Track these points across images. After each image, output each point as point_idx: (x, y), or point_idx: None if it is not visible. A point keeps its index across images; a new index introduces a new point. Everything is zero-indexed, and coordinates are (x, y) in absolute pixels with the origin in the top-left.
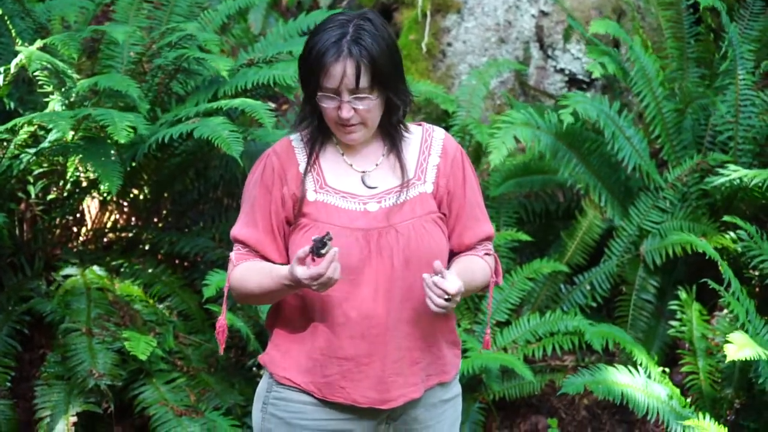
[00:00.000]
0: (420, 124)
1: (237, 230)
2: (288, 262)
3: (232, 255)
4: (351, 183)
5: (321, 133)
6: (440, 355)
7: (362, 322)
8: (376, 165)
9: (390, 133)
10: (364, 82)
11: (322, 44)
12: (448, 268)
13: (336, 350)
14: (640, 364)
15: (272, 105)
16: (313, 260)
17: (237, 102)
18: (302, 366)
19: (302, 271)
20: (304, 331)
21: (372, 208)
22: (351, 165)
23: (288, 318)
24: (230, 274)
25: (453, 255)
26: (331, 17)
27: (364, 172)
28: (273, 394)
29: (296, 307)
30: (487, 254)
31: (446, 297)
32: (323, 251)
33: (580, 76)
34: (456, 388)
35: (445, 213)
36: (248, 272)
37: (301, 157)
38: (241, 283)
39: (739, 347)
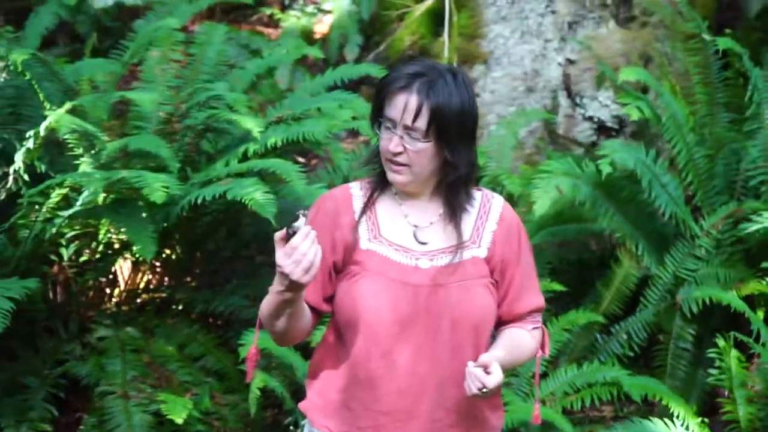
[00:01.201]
0: (480, 190)
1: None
2: (323, 305)
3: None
4: (404, 236)
5: (382, 179)
6: (482, 419)
7: (403, 378)
8: (431, 223)
9: (447, 197)
10: (420, 123)
11: (397, 73)
12: (494, 336)
13: (373, 403)
14: (677, 417)
15: (302, 160)
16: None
17: (269, 163)
18: (340, 414)
19: (279, 253)
20: (347, 380)
21: (424, 264)
22: (406, 216)
23: (331, 366)
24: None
25: (500, 323)
26: (420, 59)
27: (416, 226)
28: None
29: (339, 356)
30: (535, 328)
31: (484, 390)
32: (296, 224)
33: (609, 124)
34: None
35: (497, 280)
36: (265, 301)
37: (358, 206)
38: (264, 307)
39: None
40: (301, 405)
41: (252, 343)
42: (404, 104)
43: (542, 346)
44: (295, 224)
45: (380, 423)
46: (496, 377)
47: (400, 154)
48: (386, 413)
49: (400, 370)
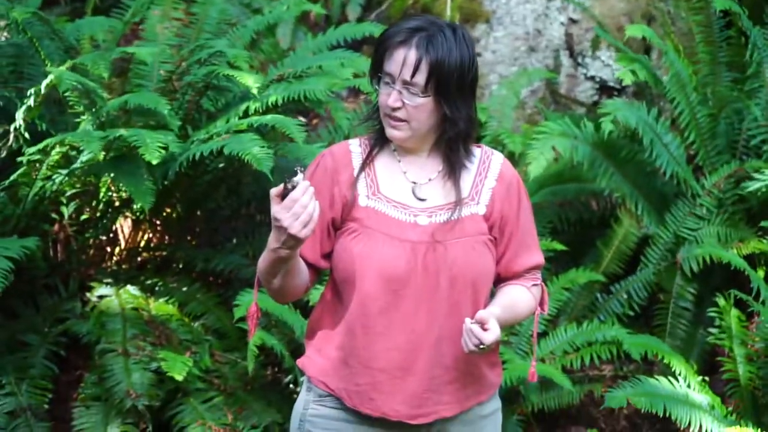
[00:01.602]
0: (479, 146)
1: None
2: (321, 262)
3: None
4: (403, 192)
5: (381, 136)
6: (480, 376)
7: (401, 334)
8: (430, 179)
9: (446, 153)
10: (419, 78)
11: (397, 28)
12: (493, 293)
13: (371, 360)
14: (680, 374)
15: (303, 120)
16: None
17: (268, 118)
18: (338, 371)
19: (276, 207)
20: (345, 337)
21: (422, 221)
22: (405, 173)
23: (329, 323)
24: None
25: (499, 280)
26: (421, 14)
27: (414, 183)
28: (310, 411)
29: (337, 313)
30: (534, 285)
31: (481, 346)
32: (295, 179)
33: (611, 84)
34: (495, 403)
35: (496, 237)
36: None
37: (357, 162)
38: (261, 263)
39: None
40: (299, 361)
41: (251, 301)
42: (403, 59)
43: (541, 304)
44: (294, 179)
45: (377, 380)
46: (493, 334)
47: (398, 109)
48: (383, 370)
49: (397, 327)
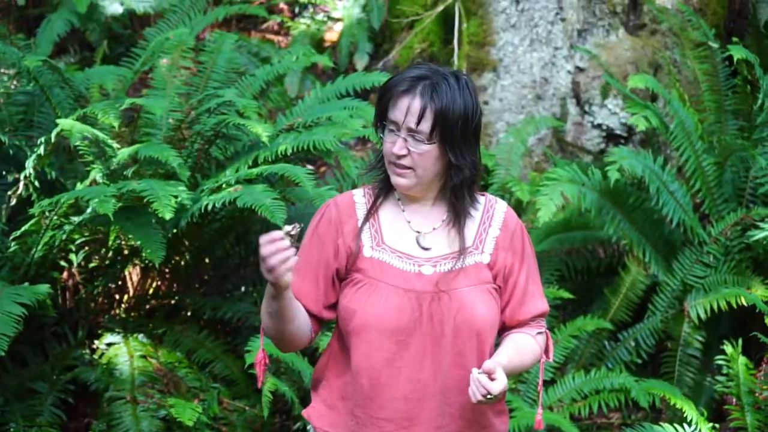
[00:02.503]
0: (483, 194)
1: None
2: (324, 313)
3: None
4: (407, 242)
5: (386, 185)
6: (486, 425)
7: (406, 384)
8: (434, 228)
9: (452, 201)
10: (424, 126)
11: (401, 77)
12: (497, 341)
13: (377, 410)
14: (690, 421)
15: (311, 168)
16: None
17: (277, 168)
18: (345, 422)
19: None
20: (350, 387)
21: (426, 271)
22: (409, 222)
23: (335, 373)
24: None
25: (504, 328)
26: (424, 63)
27: (419, 232)
28: None
29: (343, 363)
30: (539, 333)
31: (488, 396)
32: (288, 228)
33: (618, 132)
34: None
35: (500, 285)
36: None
37: (361, 213)
38: (263, 318)
39: None
40: (305, 412)
41: (259, 347)
42: (407, 107)
43: (546, 351)
44: (288, 228)
45: (384, 430)
46: (500, 383)
47: (403, 156)
48: (390, 420)
49: (403, 377)
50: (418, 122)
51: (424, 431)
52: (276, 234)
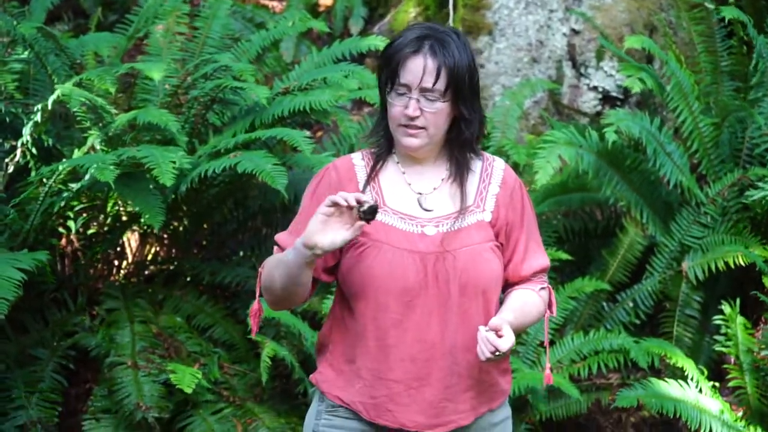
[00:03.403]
0: (481, 154)
1: (279, 234)
2: (323, 276)
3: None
4: (408, 204)
5: (386, 149)
6: (492, 383)
7: (414, 345)
8: (434, 189)
9: (456, 157)
10: (440, 84)
11: (404, 39)
12: (501, 298)
13: (386, 372)
14: (691, 378)
15: (307, 132)
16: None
17: (275, 132)
18: (352, 384)
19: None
20: (357, 350)
21: (429, 231)
22: (410, 184)
23: (340, 338)
24: (262, 265)
25: (507, 285)
26: (419, 23)
27: (420, 193)
28: (323, 422)
29: (348, 327)
30: (542, 288)
31: (497, 353)
32: (369, 213)
33: (614, 94)
34: (506, 411)
35: (503, 243)
36: (272, 259)
37: (361, 175)
38: (268, 268)
39: None
40: (312, 377)
41: (254, 299)
42: (422, 67)
43: (549, 306)
44: (367, 202)
45: (394, 391)
46: (508, 340)
47: (416, 117)
48: (399, 381)
49: (411, 338)
50: (435, 81)
51: (433, 391)
52: (349, 198)
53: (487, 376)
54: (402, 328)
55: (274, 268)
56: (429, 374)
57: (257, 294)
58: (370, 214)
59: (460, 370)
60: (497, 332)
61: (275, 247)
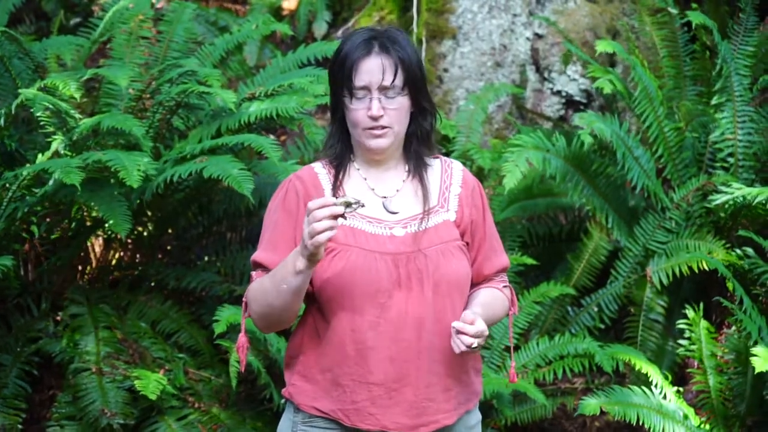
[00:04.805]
0: (437, 156)
1: (256, 254)
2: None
3: (252, 275)
4: (375, 208)
5: (344, 158)
6: (469, 383)
7: (392, 346)
8: (397, 190)
9: (415, 151)
10: (399, 79)
11: (352, 44)
12: (469, 297)
13: (366, 375)
14: (654, 384)
15: (273, 137)
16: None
17: (242, 138)
18: (330, 394)
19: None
20: (333, 358)
21: (398, 232)
22: (373, 189)
23: (313, 347)
24: (247, 293)
25: (471, 284)
26: (358, 28)
27: (385, 197)
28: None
29: (322, 335)
30: (505, 286)
31: (473, 346)
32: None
33: (577, 98)
34: (478, 415)
35: (468, 242)
36: (263, 282)
37: (325, 183)
38: (260, 293)
39: (764, 360)
40: (285, 392)
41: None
42: (378, 66)
43: (512, 304)
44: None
45: (375, 394)
46: (480, 325)
47: (380, 117)
48: (380, 384)
49: (387, 339)
50: (394, 77)
51: (413, 391)
52: (330, 200)
53: (464, 375)
54: (378, 329)
55: (268, 292)
56: (408, 374)
57: (242, 328)
58: (349, 206)
59: (438, 369)
60: (470, 324)
61: (257, 271)
